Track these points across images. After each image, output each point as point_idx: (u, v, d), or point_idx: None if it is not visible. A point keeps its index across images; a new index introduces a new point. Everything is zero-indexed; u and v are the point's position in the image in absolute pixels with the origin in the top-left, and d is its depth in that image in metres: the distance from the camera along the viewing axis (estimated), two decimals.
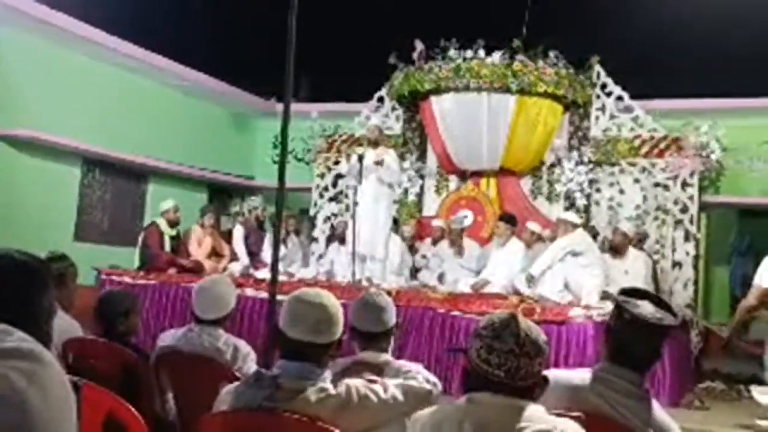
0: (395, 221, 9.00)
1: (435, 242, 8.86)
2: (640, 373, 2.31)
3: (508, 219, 8.06)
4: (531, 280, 7.16)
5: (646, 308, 2.32)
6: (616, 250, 7.57)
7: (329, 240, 9.67)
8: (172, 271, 8.05)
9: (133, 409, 2.20)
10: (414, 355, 5.89)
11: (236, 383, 2.28)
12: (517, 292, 7.18)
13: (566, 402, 2.22)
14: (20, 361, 1.13)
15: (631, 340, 2.30)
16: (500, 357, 1.82)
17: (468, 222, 8.67)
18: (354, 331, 2.77)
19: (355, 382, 2.22)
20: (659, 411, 2.28)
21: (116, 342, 3.37)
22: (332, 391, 2.14)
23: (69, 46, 9.53)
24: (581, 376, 2.36)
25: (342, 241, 8.27)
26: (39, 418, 1.13)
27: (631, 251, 7.64)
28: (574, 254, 7.07)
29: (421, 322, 6.26)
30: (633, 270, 7.49)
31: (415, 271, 8.72)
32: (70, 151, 9.73)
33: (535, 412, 1.83)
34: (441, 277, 8.18)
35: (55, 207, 9.57)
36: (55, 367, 1.22)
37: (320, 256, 9.33)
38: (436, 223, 9.01)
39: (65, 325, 3.40)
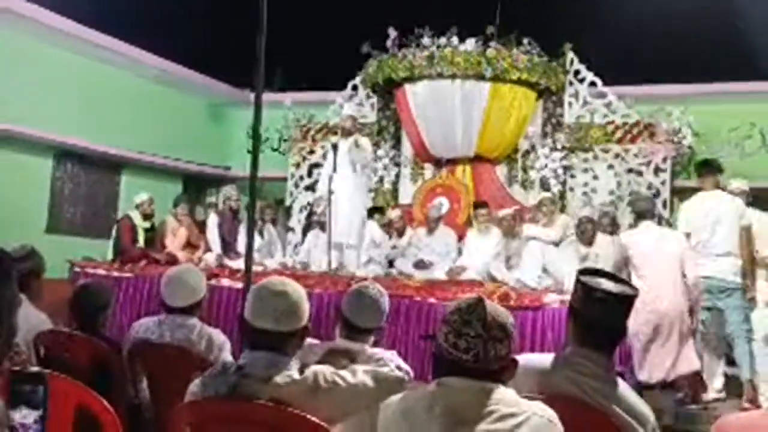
0: (381, 209, 8.94)
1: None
2: (607, 354, 2.33)
3: (483, 205, 8.11)
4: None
5: (607, 284, 2.35)
6: (586, 237, 7.63)
7: (306, 229, 9.62)
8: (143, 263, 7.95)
9: (104, 401, 2.19)
10: (391, 342, 5.91)
11: (205, 374, 2.27)
12: (493, 279, 7.22)
13: (536, 386, 2.23)
14: None
15: (600, 318, 2.31)
16: (468, 341, 1.83)
17: (445, 210, 8.68)
18: (343, 319, 2.78)
19: (323, 368, 2.21)
20: (629, 392, 2.29)
21: (90, 334, 3.34)
22: (299, 377, 2.13)
23: (40, 37, 9.38)
24: (551, 359, 2.38)
25: (322, 227, 8.21)
26: None
27: (600, 237, 7.67)
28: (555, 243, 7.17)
29: (397, 309, 6.28)
30: (604, 255, 7.53)
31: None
32: (41, 143, 9.59)
33: (505, 394, 1.84)
34: (419, 264, 8.12)
35: (26, 199, 9.44)
36: None
37: (296, 246, 9.29)
38: (395, 213, 8.69)
39: (35, 319, 3.37)
